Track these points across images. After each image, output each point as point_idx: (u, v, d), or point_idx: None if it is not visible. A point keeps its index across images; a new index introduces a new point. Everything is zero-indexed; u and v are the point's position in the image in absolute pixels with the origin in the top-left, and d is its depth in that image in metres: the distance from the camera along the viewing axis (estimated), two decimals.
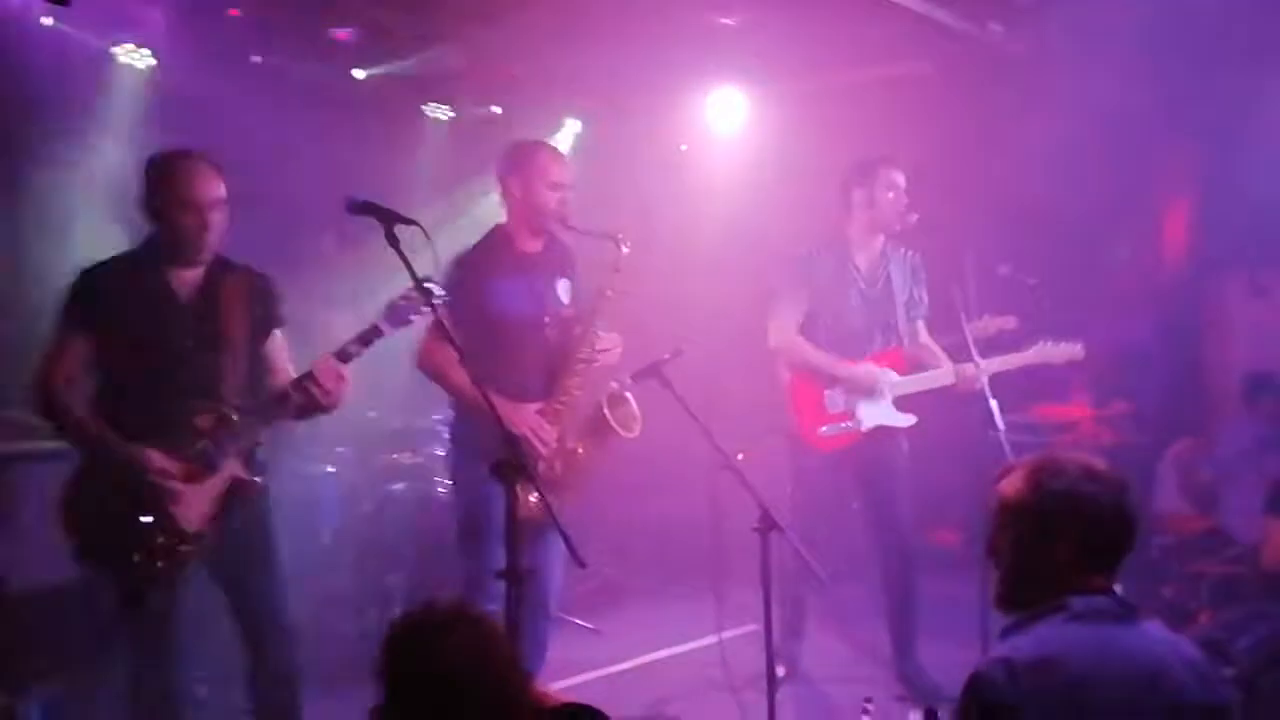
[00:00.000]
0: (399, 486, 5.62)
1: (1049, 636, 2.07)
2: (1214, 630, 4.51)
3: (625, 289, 4.04)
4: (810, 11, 5.03)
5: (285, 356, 3.57)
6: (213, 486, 3.30)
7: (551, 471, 3.91)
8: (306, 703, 3.59)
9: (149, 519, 3.22)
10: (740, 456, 4.45)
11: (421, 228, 3.11)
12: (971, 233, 4.87)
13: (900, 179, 4.64)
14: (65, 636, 4.18)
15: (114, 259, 3.41)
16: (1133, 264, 6.79)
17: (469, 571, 4.00)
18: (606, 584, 6.11)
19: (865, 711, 4.06)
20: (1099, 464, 2.16)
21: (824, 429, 4.63)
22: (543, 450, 3.85)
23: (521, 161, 4.04)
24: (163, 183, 3.32)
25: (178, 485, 3.24)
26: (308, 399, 3.35)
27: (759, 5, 5.10)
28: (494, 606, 3.70)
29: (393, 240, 3.14)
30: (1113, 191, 6.30)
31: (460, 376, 3.71)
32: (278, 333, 3.56)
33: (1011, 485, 2.18)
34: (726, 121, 6.33)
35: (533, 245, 4.08)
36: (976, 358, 4.37)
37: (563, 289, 4.11)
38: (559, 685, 4.60)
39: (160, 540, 3.24)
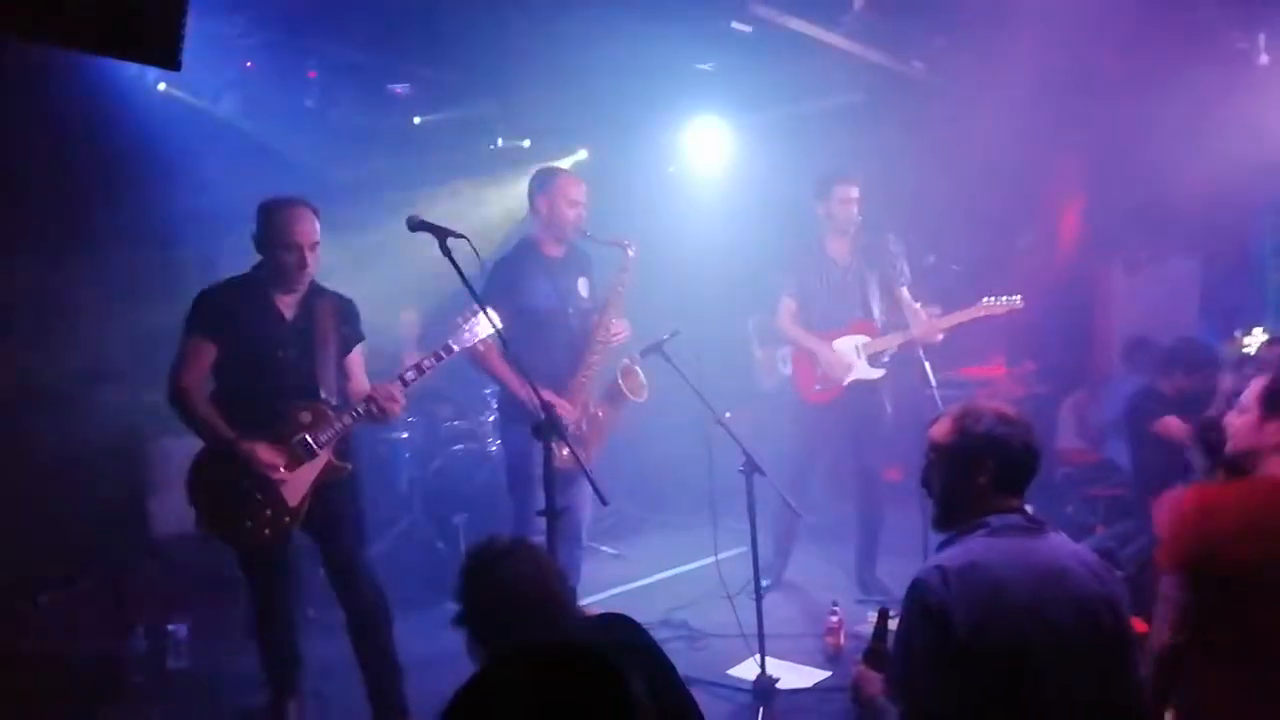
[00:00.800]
0: (459, 447, 5.64)
1: (974, 548, 2.07)
2: (1106, 540, 4.54)
3: (631, 284, 4.09)
4: (769, 55, 4.98)
5: (362, 368, 3.52)
6: (311, 469, 3.27)
7: (579, 430, 3.95)
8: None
9: (259, 497, 3.21)
10: (727, 415, 4.47)
11: (469, 241, 3.09)
12: (903, 230, 4.84)
13: (852, 191, 4.63)
14: (204, 574, 4.23)
15: (228, 281, 3.36)
16: (1034, 251, 6.76)
17: (517, 512, 4.03)
18: (625, 518, 6.13)
19: (832, 612, 4.12)
20: (1010, 410, 2.16)
21: (816, 386, 4.69)
22: (570, 415, 3.87)
23: (547, 184, 4.07)
24: (270, 224, 3.27)
25: (281, 473, 3.22)
26: (369, 414, 3.31)
27: (730, 53, 5.05)
28: (539, 538, 3.75)
29: (446, 252, 3.12)
30: (1016, 195, 6.28)
31: (502, 363, 3.83)
32: (359, 347, 3.52)
33: (940, 429, 2.18)
34: (706, 145, 6.28)
35: (556, 251, 4.10)
36: (919, 312, 4.44)
37: (582, 286, 4.13)
38: (592, 599, 4.65)
39: (268, 513, 3.22)
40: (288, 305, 3.35)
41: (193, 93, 4.97)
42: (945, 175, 5.69)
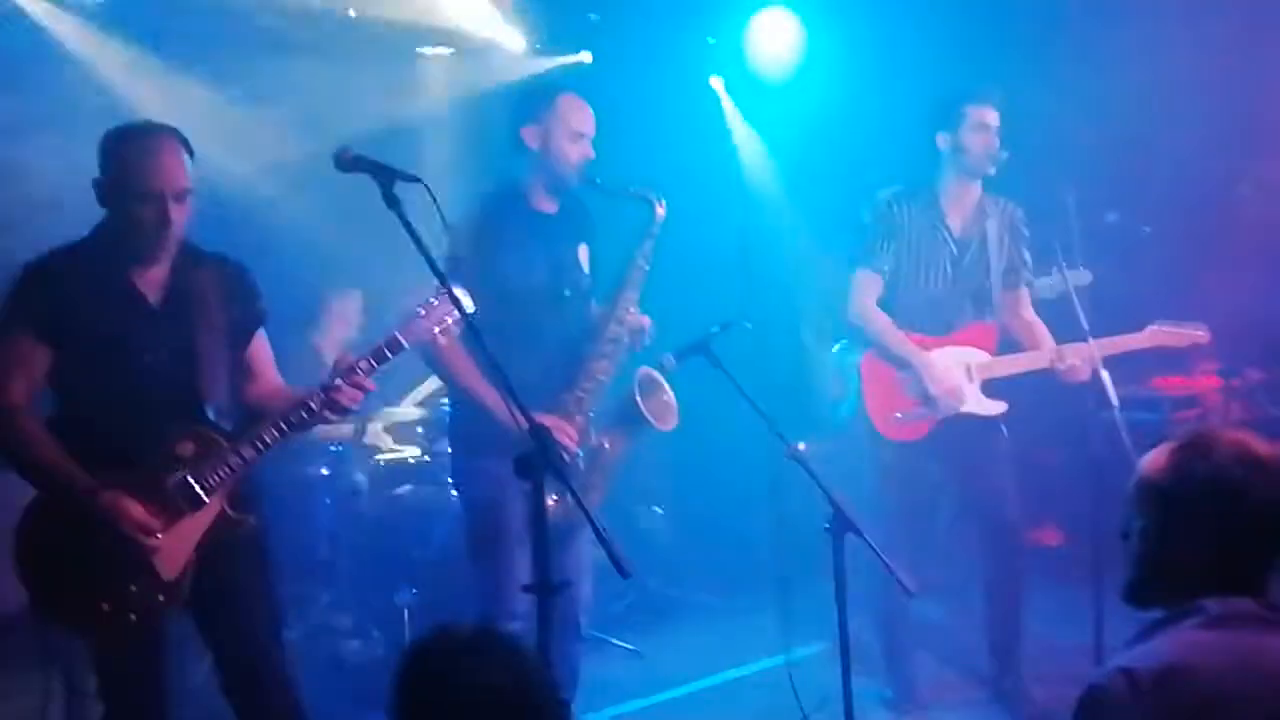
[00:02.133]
0: (405, 489, 5.66)
1: (1179, 644, 2.05)
2: None
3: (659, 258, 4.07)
4: None
5: (271, 362, 3.54)
6: (195, 525, 3.25)
7: (575, 468, 3.92)
8: None
9: (121, 567, 3.18)
10: (802, 446, 4.45)
11: (426, 185, 3.08)
12: (1074, 174, 4.80)
13: (991, 117, 4.60)
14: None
15: (62, 250, 3.30)
16: (1259, 204, 6.68)
17: (483, 586, 4.03)
18: (647, 596, 6.12)
19: None
20: (1262, 447, 2.12)
21: (898, 414, 4.61)
22: (571, 444, 3.85)
23: (539, 107, 4.05)
24: (118, 164, 3.23)
25: (156, 539, 3.19)
26: (316, 417, 3.27)
27: None
28: (517, 625, 3.77)
29: (391, 202, 3.11)
30: (1232, 123, 6.20)
31: (471, 366, 3.79)
32: (261, 332, 3.51)
33: (1152, 462, 2.17)
34: (766, 48, 6.31)
35: (550, 205, 4.12)
36: (1088, 335, 4.34)
37: (583, 256, 4.16)
38: (594, 718, 4.64)
39: (133, 590, 3.20)
40: (151, 284, 3.32)
41: None
42: (1129, 98, 5.64)
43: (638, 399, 4.00)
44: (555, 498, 3.49)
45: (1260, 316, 5.76)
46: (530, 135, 4.03)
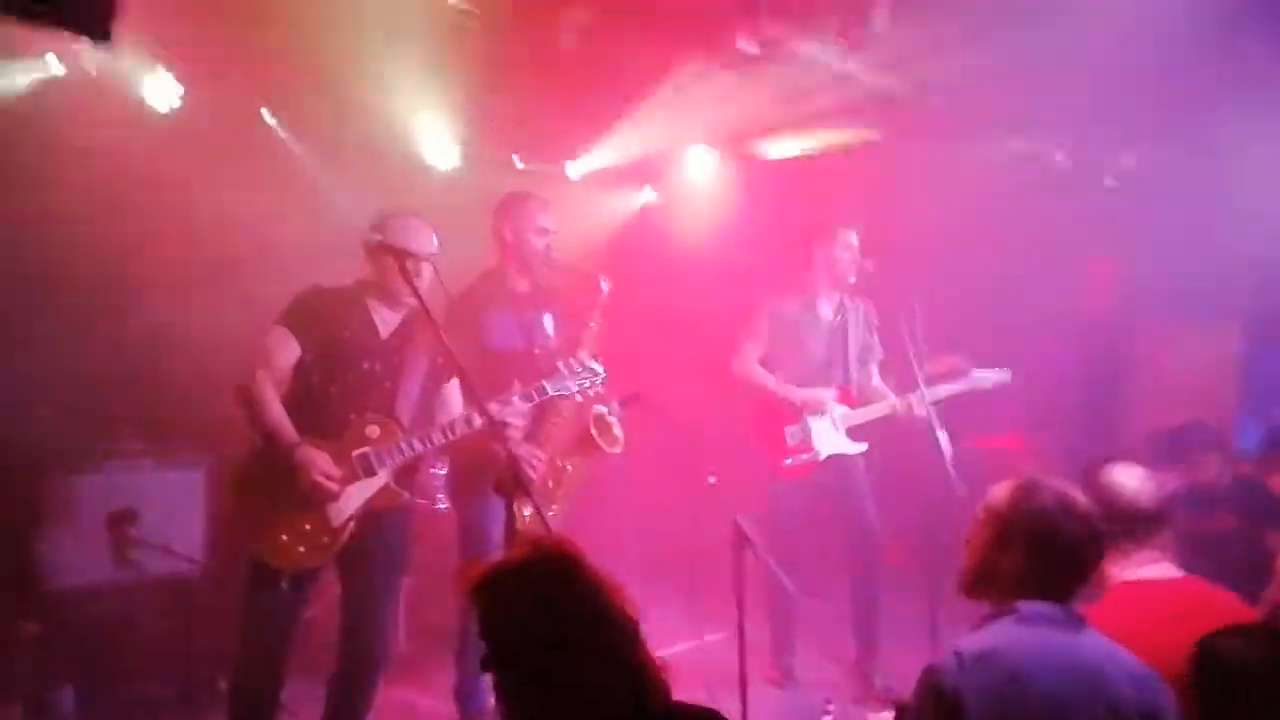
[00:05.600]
0: (408, 496, 5.55)
1: (998, 635, 2.13)
2: None
3: (606, 321, 4.16)
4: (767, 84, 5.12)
5: (457, 400, 3.67)
6: (365, 489, 3.38)
7: (545, 487, 3.95)
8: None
9: (302, 509, 3.30)
10: (711, 480, 4.50)
11: (434, 265, 3.25)
12: (918, 283, 4.93)
13: (853, 239, 4.78)
14: (100, 634, 4.14)
15: (331, 288, 3.54)
16: (1057, 314, 6.85)
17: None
18: None
19: (827, 713, 4.11)
20: (1077, 495, 2.20)
21: (787, 461, 4.70)
22: (540, 468, 3.87)
23: (513, 210, 4.14)
24: (388, 232, 3.45)
25: (335, 487, 3.31)
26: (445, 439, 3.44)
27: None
28: None
29: (406, 275, 3.24)
30: (1037, 250, 6.38)
31: None
32: (455, 381, 3.63)
33: (996, 492, 2.25)
34: (699, 177, 6.39)
35: (522, 284, 4.17)
36: (921, 384, 4.44)
37: (548, 323, 4.21)
38: None
39: (307, 528, 3.31)
40: (386, 321, 3.56)
41: None
42: (958, 226, 5.80)
43: (593, 431, 4.07)
44: (528, 511, 3.51)
45: (1053, 392, 5.91)
46: (506, 231, 4.11)
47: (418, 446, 3.43)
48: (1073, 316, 6.66)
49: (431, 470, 5.39)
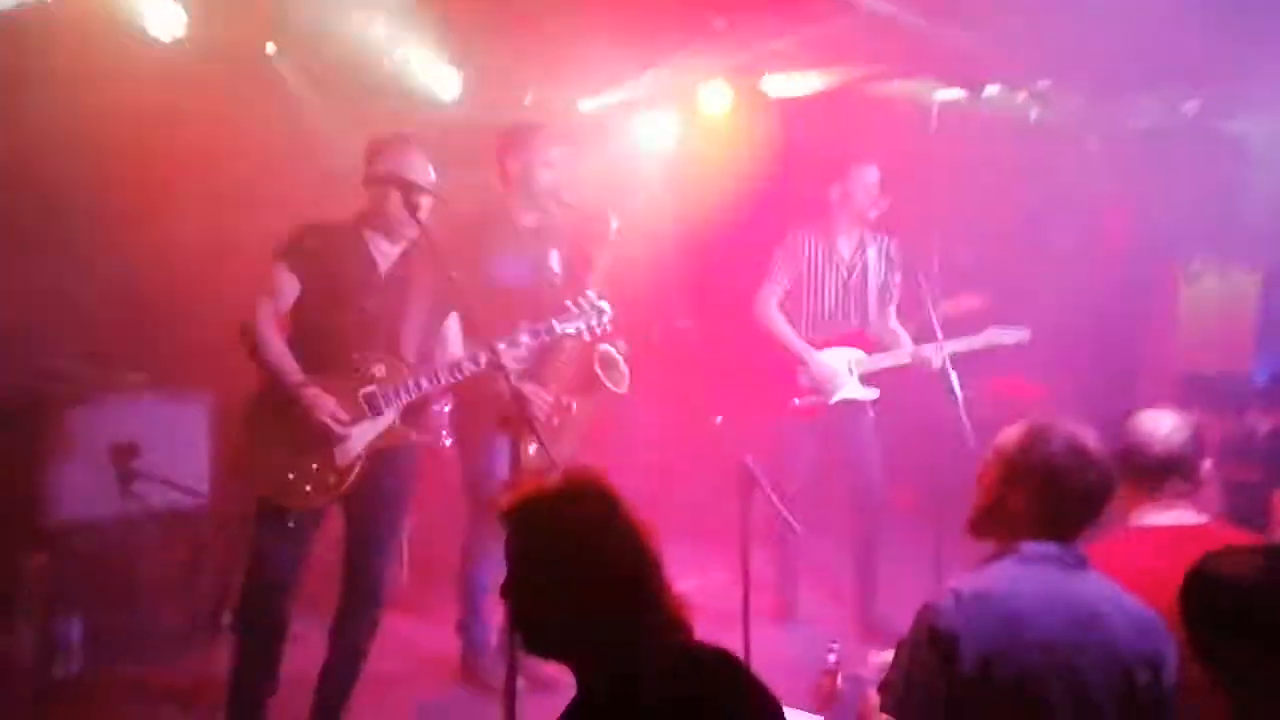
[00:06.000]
0: (414, 435, 5.55)
1: (998, 574, 2.12)
2: None
3: (616, 258, 4.11)
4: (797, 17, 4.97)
5: (457, 336, 3.61)
6: (371, 428, 3.35)
7: (549, 425, 3.92)
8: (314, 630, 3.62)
9: (308, 449, 3.28)
10: (718, 419, 4.47)
11: (441, 199, 3.18)
12: (937, 224, 4.86)
13: (872, 175, 4.67)
14: (106, 566, 4.16)
15: (326, 222, 3.46)
16: (1075, 256, 6.79)
17: (474, 516, 4.01)
18: None
19: (830, 651, 4.12)
20: (1089, 442, 2.18)
21: (796, 400, 4.65)
22: (545, 405, 3.84)
23: (520, 142, 4.06)
24: (380, 159, 3.38)
25: (343, 429, 3.28)
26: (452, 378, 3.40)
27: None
28: (500, 551, 3.75)
29: (413, 210, 3.18)
30: (1055, 189, 6.29)
31: None
32: (455, 314, 3.58)
33: (1007, 435, 2.23)
34: (713, 111, 6.24)
35: (528, 219, 4.09)
36: (940, 336, 4.37)
37: (554, 260, 4.14)
38: None
39: (313, 467, 3.29)
40: (384, 254, 3.45)
41: None
42: (978, 165, 5.71)
43: (598, 369, 4.02)
44: (534, 448, 3.49)
45: (1073, 339, 5.86)
46: (512, 164, 4.03)
47: (425, 385, 3.39)
48: (1090, 262, 6.59)
49: (435, 407, 5.39)
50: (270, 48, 5.05)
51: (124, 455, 4.11)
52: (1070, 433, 2.17)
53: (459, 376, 3.42)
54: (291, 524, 3.30)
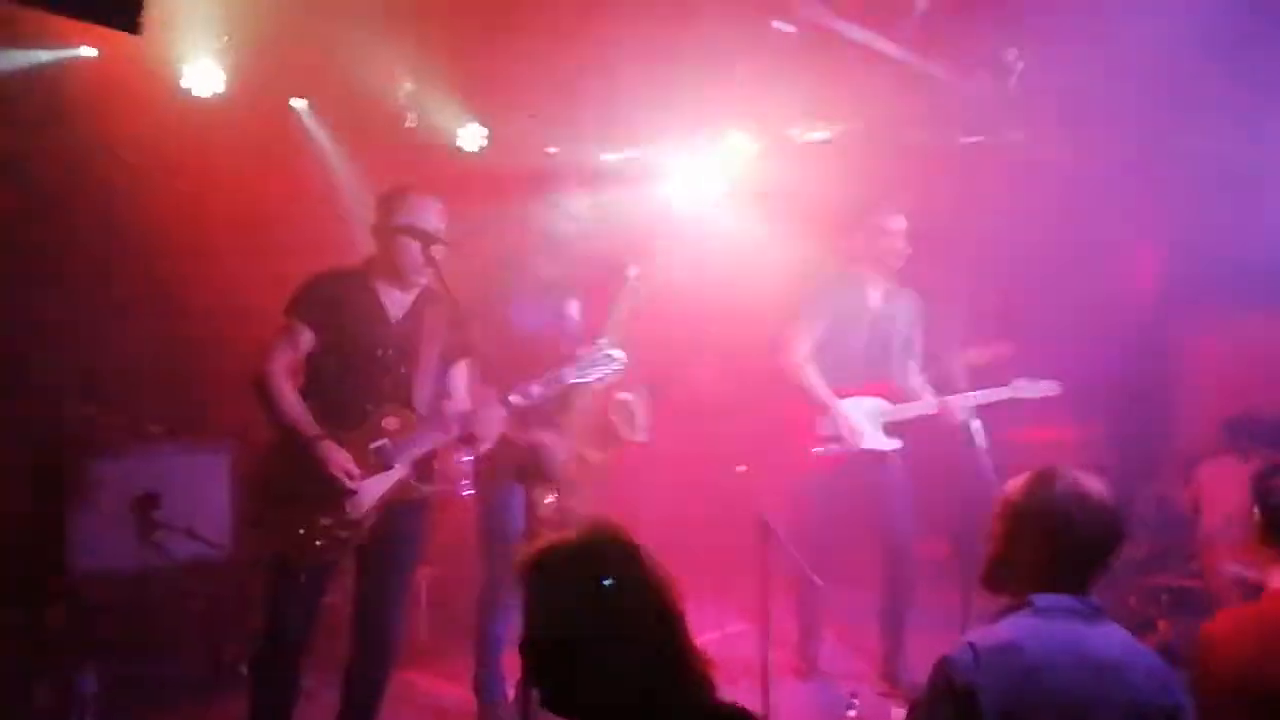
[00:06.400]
0: (426, 488, 5.55)
1: (1014, 627, 2.09)
2: (1173, 639, 4.47)
3: (634, 308, 4.12)
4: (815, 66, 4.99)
5: (464, 384, 3.60)
6: (382, 483, 3.33)
7: (566, 475, 3.90)
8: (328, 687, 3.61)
9: (321, 502, 3.26)
10: (741, 468, 4.44)
11: (454, 246, 3.24)
12: (966, 271, 4.84)
13: (898, 223, 4.64)
14: (126, 617, 4.18)
15: (335, 270, 3.47)
16: (1104, 303, 6.71)
17: (492, 571, 3.98)
18: None
19: (850, 706, 4.05)
20: (1094, 485, 2.15)
21: (815, 449, 4.59)
22: (561, 457, 3.84)
23: (542, 195, 4.13)
24: (395, 208, 3.40)
25: (354, 483, 3.26)
26: (464, 436, 3.41)
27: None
28: (515, 605, 3.72)
29: (430, 261, 3.21)
30: (1085, 237, 6.24)
31: None
32: (464, 361, 3.58)
33: (1013, 484, 2.21)
34: (734, 162, 6.27)
35: (549, 269, 4.13)
36: (964, 387, 4.32)
37: (574, 309, 4.16)
38: None
39: (325, 522, 3.27)
40: (396, 303, 3.46)
41: None
42: (1006, 212, 5.68)
43: (614, 418, 4.03)
44: (550, 499, 3.48)
45: (1102, 384, 5.79)
46: (536, 214, 4.08)
47: (436, 438, 3.39)
48: (1119, 303, 6.52)
49: (458, 457, 5.38)
50: (300, 103, 5.16)
51: (145, 506, 4.15)
52: (1074, 479, 2.14)
53: (469, 429, 3.40)
54: (304, 579, 3.28)
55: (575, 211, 4.09)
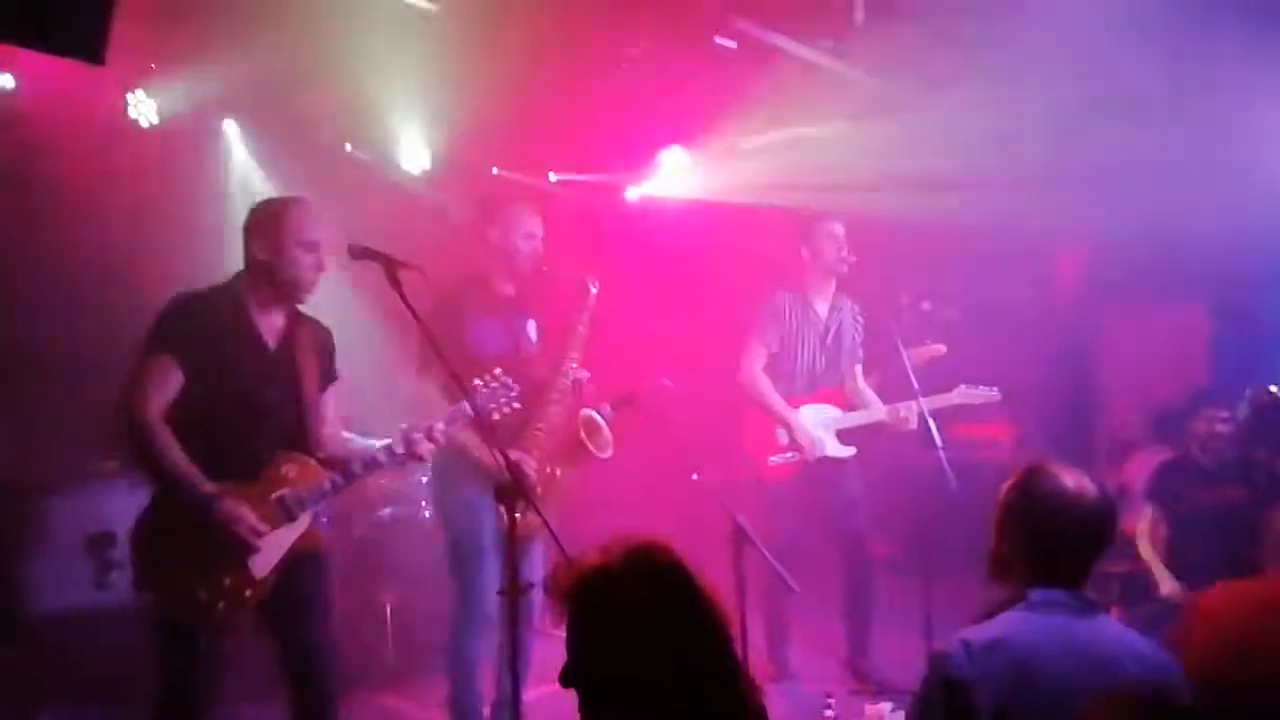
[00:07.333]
0: (386, 511, 5.51)
1: (1007, 622, 2.13)
2: (1128, 624, 4.60)
3: (594, 325, 4.12)
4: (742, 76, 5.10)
5: (336, 414, 3.39)
6: (286, 536, 3.10)
7: (534, 492, 3.89)
8: None
9: (221, 563, 3.01)
10: (694, 476, 4.47)
11: (423, 273, 3.09)
12: (903, 276, 4.96)
13: (838, 229, 4.74)
14: (81, 658, 4.05)
15: (202, 292, 3.13)
16: (1028, 298, 6.92)
17: (463, 589, 3.95)
18: None
19: (827, 706, 4.11)
20: (1087, 484, 2.19)
21: (773, 458, 4.67)
22: (531, 474, 3.82)
23: (498, 214, 4.09)
24: (279, 220, 3.12)
25: (257, 540, 3.03)
26: (395, 460, 3.24)
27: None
28: (489, 622, 3.71)
29: (395, 284, 3.11)
30: (1011, 235, 6.43)
31: None
32: (332, 389, 3.37)
33: (1010, 480, 2.26)
34: (679, 177, 6.36)
35: (507, 288, 4.11)
36: (916, 389, 4.43)
37: (531, 328, 4.15)
38: (540, 692, 4.55)
39: (226, 583, 3.03)
40: (271, 330, 3.18)
41: None
42: (938, 210, 5.85)
43: (582, 436, 4.02)
44: (519, 516, 3.45)
45: (1029, 377, 5.99)
46: (492, 234, 4.07)
47: (339, 482, 3.18)
48: (1044, 304, 6.76)
49: (413, 478, 5.33)
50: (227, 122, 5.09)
51: (100, 545, 4.01)
52: (1059, 476, 2.19)
53: (372, 470, 3.24)
54: (203, 645, 3.02)
55: (533, 230, 4.08)
